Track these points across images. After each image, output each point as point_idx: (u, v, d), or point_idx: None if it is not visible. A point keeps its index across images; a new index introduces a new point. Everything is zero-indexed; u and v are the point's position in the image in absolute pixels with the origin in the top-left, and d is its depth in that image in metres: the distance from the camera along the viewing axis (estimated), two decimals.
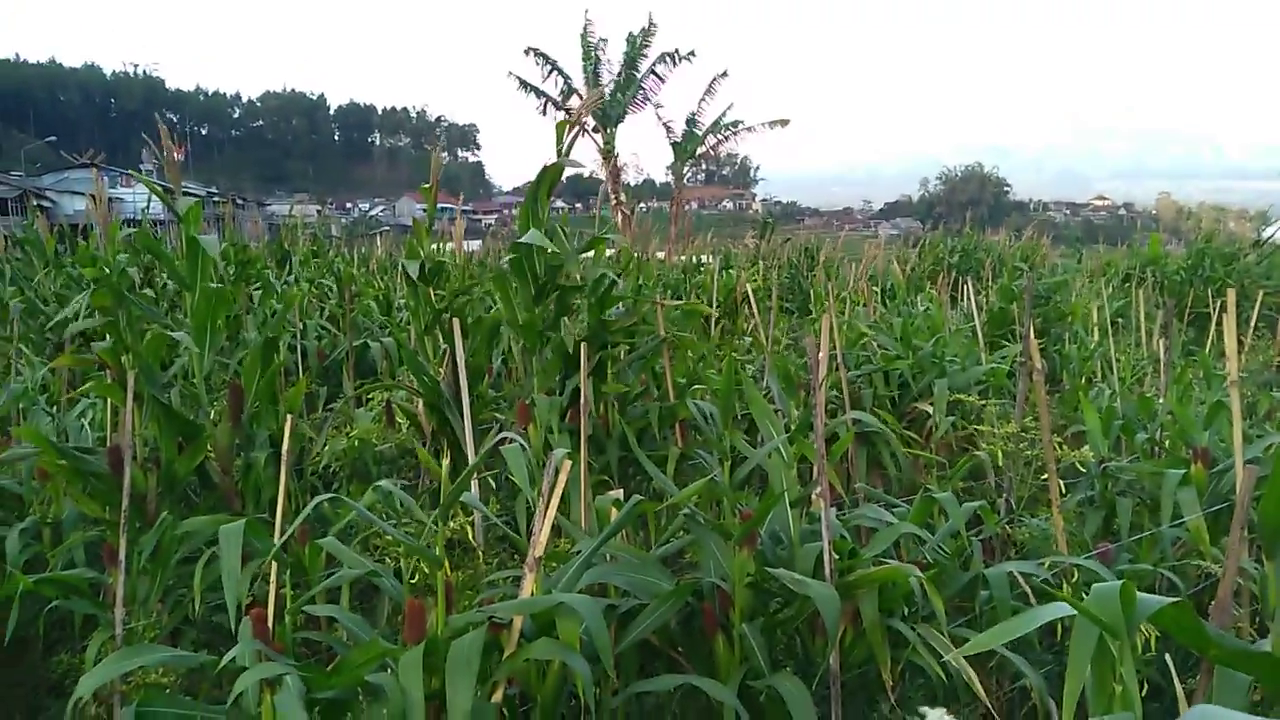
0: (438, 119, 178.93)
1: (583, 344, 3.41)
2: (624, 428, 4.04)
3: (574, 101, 24.62)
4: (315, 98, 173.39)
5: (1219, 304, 8.52)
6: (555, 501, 2.06)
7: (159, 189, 3.82)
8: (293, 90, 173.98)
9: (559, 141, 3.82)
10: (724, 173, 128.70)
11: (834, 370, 4.65)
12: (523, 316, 3.99)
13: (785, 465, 2.77)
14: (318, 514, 3.81)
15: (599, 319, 3.94)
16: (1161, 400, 4.45)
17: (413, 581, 2.69)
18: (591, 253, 4.24)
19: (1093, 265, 13.21)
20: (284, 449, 2.45)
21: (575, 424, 4.06)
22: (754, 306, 6.93)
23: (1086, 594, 2.91)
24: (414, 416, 4.37)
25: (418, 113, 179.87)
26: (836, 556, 2.54)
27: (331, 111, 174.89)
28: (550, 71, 25.32)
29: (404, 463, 5.05)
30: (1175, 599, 1.42)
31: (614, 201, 26.39)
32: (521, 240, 3.62)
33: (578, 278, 3.92)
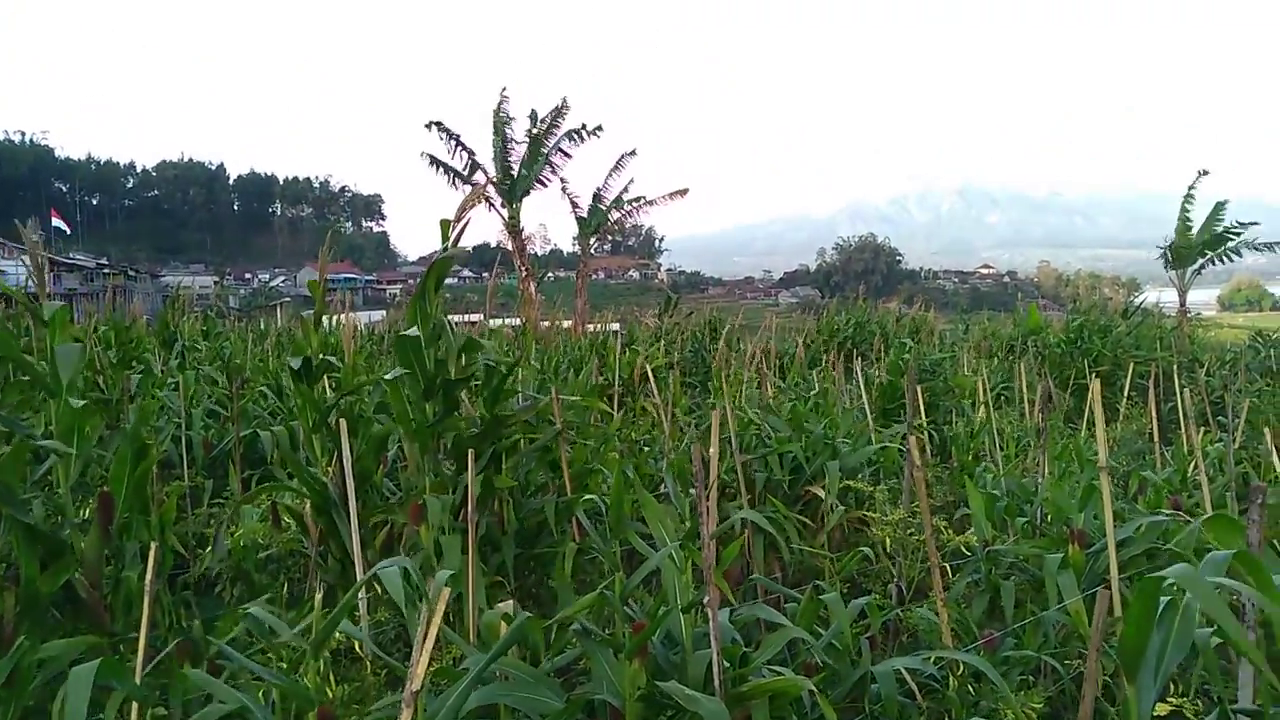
0: (341, 189, 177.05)
1: (469, 450, 3.35)
2: (520, 524, 3.98)
3: (479, 176, 24.73)
4: (214, 167, 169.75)
5: (1095, 375, 8.97)
6: (433, 633, 2.00)
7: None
8: (190, 159, 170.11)
9: (444, 236, 3.82)
10: (630, 243, 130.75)
11: (729, 456, 4.70)
12: (414, 415, 3.92)
13: (678, 571, 2.76)
14: (202, 625, 3.61)
15: (492, 414, 3.90)
16: (1041, 480, 4.62)
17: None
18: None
19: (978, 335, 13.77)
20: (148, 577, 2.32)
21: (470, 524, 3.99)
22: (654, 385, 6.98)
23: (973, 687, 2.99)
24: (300, 518, 4.21)
25: (320, 182, 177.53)
26: (727, 664, 2.52)
27: (231, 181, 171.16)
28: (455, 146, 25.44)
29: (292, 563, 4.85)
30: None
31: (521, 274, 26.49)
32: (402, 334, 3.57)
33: (461, 368, 3.88)
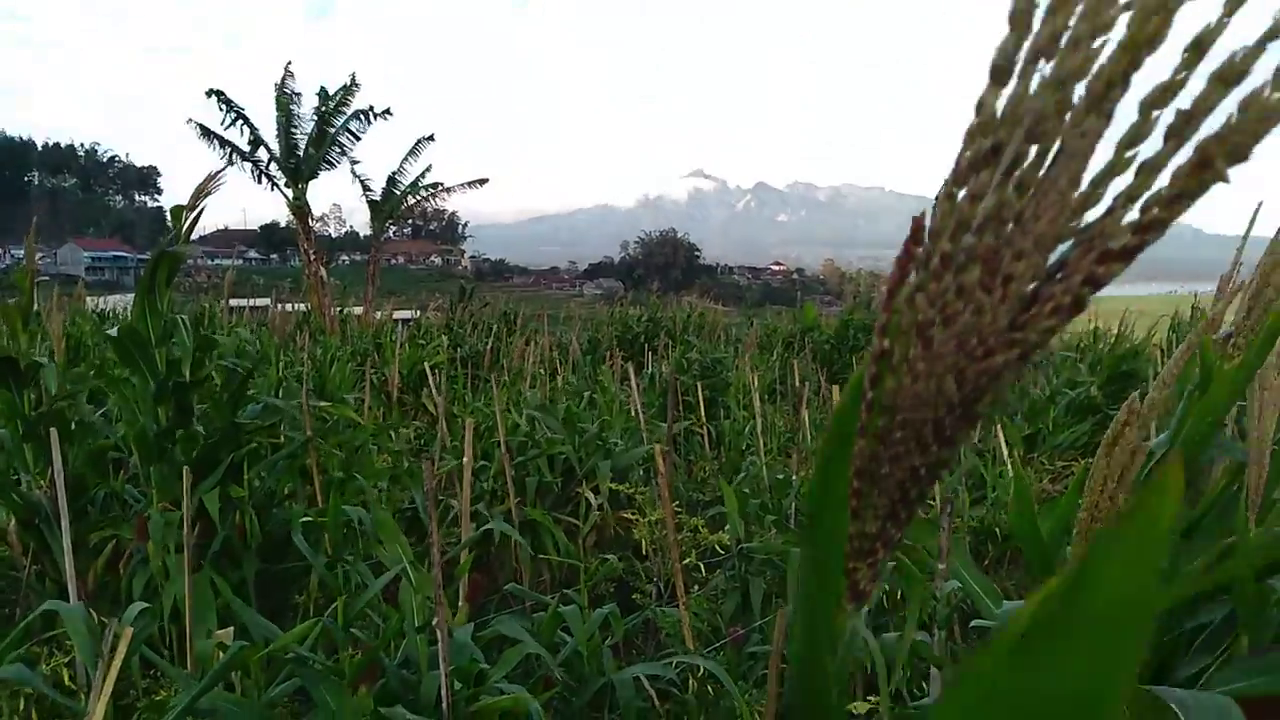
0: (112, 159, 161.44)
1: (196, 460, 3.10)
2: (264, 537, 3.73)
3: (261, 153, 23.23)
4: None
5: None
6: (114, 673, 1.80)
7: None
8: None
9: (177, 224, 3.51)
10: (432, 228, 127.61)
11: (498, 460, 4.63)
12: (143, 421, 3.59)
13: (413, 589, 2.66)
14: None
15: (231, 421, 3.63)
16: (795, 476, 4.85)
17: None
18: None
19: (760, 331, 14.38)
20: None
21: (209, 537, 3.70)
22: (431, 383, 6.79)
23: (712, 687, 3.07)
24: (4, 535, 3.76)
25: (86, 151, 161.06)
26: (461, 685, 2.45)
27: None
28: (235, 119, 23.79)
29: (4, 584, 4.36)
30: None
31: (309, 258, 25.14)
32: (115, 333, 3.26)
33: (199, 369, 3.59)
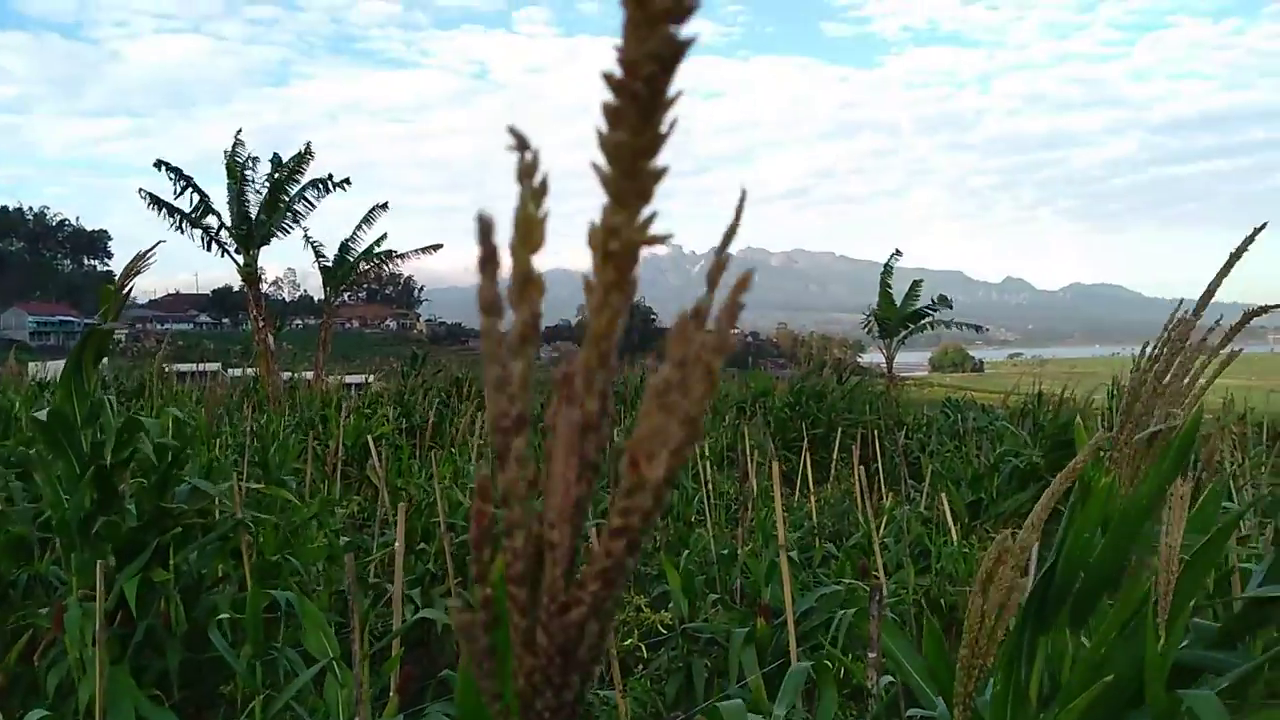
0: (60, 222, 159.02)
1: (100, 562, 3.00)
2: (191, 624, 3.61)
3: (210, 220, 23.09)
4: None
5: (808, 439, 9.60)
6: None
7: None
8: None
9: (104, 305, 3.46)
10: (387, 292, 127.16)
11: (437, 541, 4.55)
12: (67, 504, 3.48)
13: (339, 686, 2.58)
14: None
15: (157, 504, 3.53)
16: (740, 551, 4.83)
17: None
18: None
19: (714, 396, 14.38)
20: None
21: (133, 626, 3.57)
22: (375, 455, 6.69)
23: None
24: None
25: (35, 214, 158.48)
26: None
27: None
28: (185, 187, 23.71)
29: None
30: None
31: (258, 324, 24.83)
32: (39, 416, 3.18)
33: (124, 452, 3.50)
